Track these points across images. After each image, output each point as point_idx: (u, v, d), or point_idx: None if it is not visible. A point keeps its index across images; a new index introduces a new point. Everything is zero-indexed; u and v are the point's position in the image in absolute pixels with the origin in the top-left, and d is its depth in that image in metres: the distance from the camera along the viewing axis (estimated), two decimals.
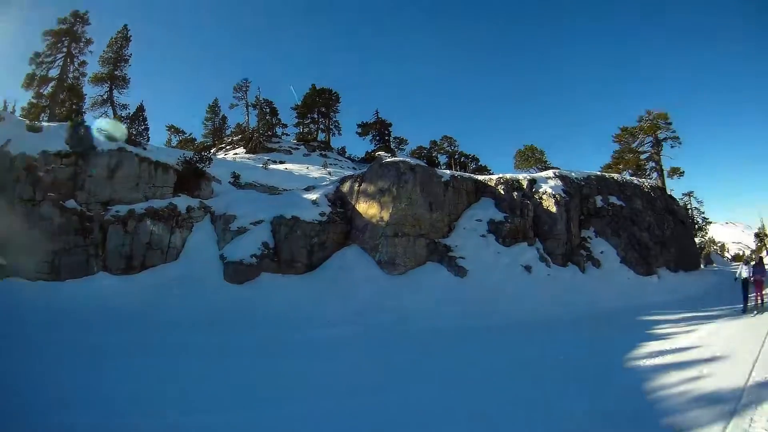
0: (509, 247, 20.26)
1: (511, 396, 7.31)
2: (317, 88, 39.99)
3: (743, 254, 69.09)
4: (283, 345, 10.89)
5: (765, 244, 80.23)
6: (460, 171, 23.51)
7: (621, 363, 9.77)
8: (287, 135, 39.72)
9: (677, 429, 6.40)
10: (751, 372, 8.79)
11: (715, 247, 68.42)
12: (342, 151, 37.63)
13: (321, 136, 40.02)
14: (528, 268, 19.61)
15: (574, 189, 25.23)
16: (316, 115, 39.35)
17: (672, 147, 40.91)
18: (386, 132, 39.21)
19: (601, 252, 24.66)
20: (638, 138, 40.24)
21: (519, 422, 6.42)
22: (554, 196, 22.76)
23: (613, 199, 28.02)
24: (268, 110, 39.94)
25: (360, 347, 10.71)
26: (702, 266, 40.13)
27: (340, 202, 18.82)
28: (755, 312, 15.13)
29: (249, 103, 40.04)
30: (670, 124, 40.06)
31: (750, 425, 6.50)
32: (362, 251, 17.54)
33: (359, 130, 40.36)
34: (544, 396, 7.41)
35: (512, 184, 22.54)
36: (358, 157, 37.16)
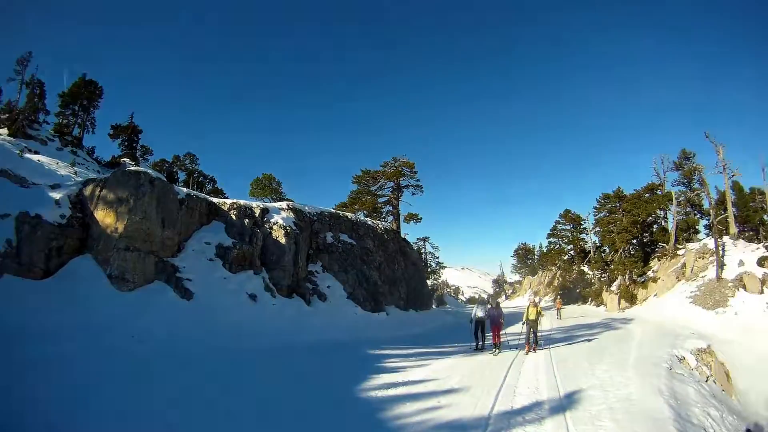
0: (236, 274, 22.17)
1: (246, 427, 8.00)
2: (86, 79, 39.71)
3: (479, 297, 77.98)
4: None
5: (504, 290, 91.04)
6: (196, 190, 25.97)
7: (355, 394, 10.75)
8: (47, 123, 39.02)
9: None
10: (494, 403, 10.06)
11: (448, 290, 76.08)
12: (91, 151, 37.89)
13: (77, 131, 39.65)
14: (253, 297, 21.65)
15: (305, 223, 28.46)
16: (77, 108, 38.97)
17: (413, 194, 47.04)
18: (136, 138, 40.13)
19: (328, 286, 27.30)
20: (380, 182, 46.13)
21: None
22: (285, 227, 25.51)
23: (344, 237, 31.44)
24: (38, 92, 38.81)
25: (80, 368, 10.59)
26: (434, 306, 48.60)
27: (81, 206, 19.25)
28: (493, 351, 17.41)
29: (24, 81, 38.54)
30: (416, 172, 46.32)
31: None
32: (95, 262, 18.27)
33: (111, 132, 40.82)
34: (279, 427, 8.21)
35: (245, 211, 25.08)
36: (104, 160, 37.45)
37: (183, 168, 39.77)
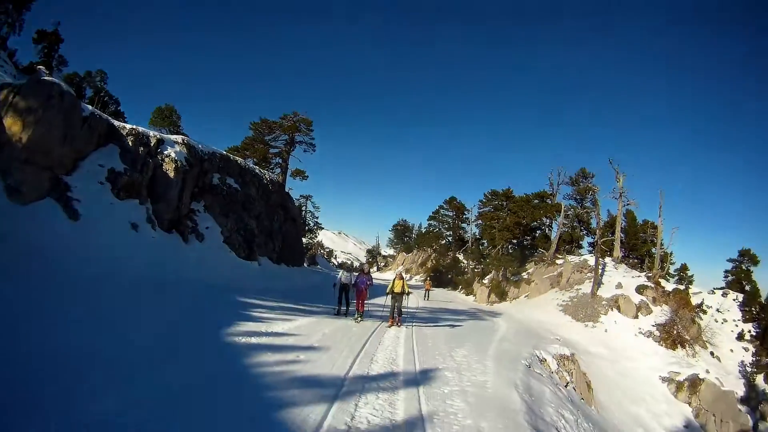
0: (123, 201, 22.78)
1: (102, 359, 8.02)
2: None
3: (350, 263, 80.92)
4: None
5: (377, 262, 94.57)
6: (100, 110, 25.72)
7: (221, 338, 11.34)
8: None
9: (282, 403, 7.50)
10: (352, 366, 10.78)
11: (322, 251, 78.04)
12: (12, 54, 36.77)
13: (5, 30, 38.60)
14: (135, 227, 22.60)
15: (196, 160, 29.33)
16: (10, 6, 37.78)
17: (305, 151, 49.13)
18: (56, 48, 39.38)
19: (207, 227, 28.62)
20: (275, 133, 47.69)
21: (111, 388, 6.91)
22: (176, 161, 26.57)
23: (230, 181, 32.77)
24: None
25: None
26: (306, 265, 50.81)
27: None
28: (355, 318, 18.43)
29: None
30: (312, 130, 48.28)
31: (355, 410, 7.89)
32: None
33: (35, 36, 39.78)
34: (147, 360, 8.49)
35: (142, 139, 25.53)
36: (22, 65, 36.69)
37: (92, 84, 38.68)
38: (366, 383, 9.48)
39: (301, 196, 60.54)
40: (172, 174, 25.76)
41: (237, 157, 37.04)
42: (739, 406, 26.25)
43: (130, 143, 24.30)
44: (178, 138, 28.87)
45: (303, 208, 59.63)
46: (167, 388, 7.17)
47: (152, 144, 25.80)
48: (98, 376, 7.16)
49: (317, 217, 64.20)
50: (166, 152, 26.11)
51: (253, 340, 11.58)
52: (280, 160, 47.75)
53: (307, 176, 49.19)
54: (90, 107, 23.26)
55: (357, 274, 19.72)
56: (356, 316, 18.53)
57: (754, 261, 48.53)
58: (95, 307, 11.72)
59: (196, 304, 15.88)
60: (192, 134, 34.57)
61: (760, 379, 30.22)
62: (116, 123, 24.77)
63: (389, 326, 17.92)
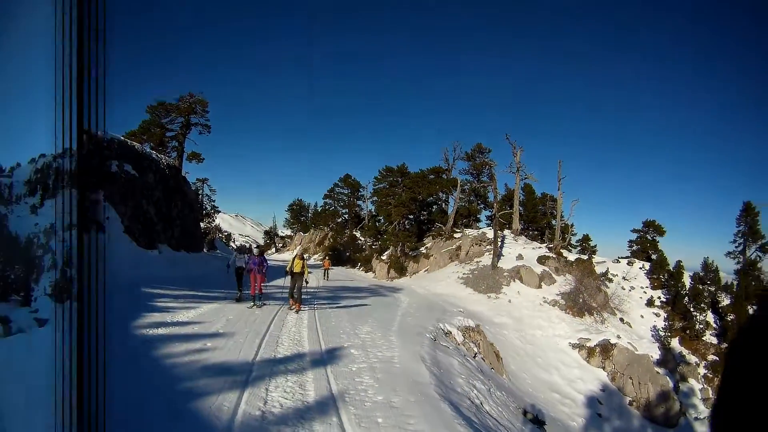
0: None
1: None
2: None
3: (249, 245, 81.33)
4: None
5: (275, 243, 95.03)
6: None
7: (129, 331, 11.61)
8: None
9: (195, 393, 7.80)
10: (258, 350, 11.26)
11: (220, 235, 78.28)
12: None
13: None
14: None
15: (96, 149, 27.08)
16: None
17: (200, 133, 49.72)
18: None
19: (107, 218, 28.91)
20: (171, 115, 47.93)
21: None
22: None
23: (128, 168, 32.97)
24: None
25: None
26: (205, 250, 52.10)
27: None
28: (253, 303, 18.39)
29: None
30: (207, 112, 49.12)
31: (267, 395, 8.34)
32: None
33: None
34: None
35: None
36: None
37: None
38: (274, 366, 10.07)
39: (197, 179, 60.53)
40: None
41: (134, 143, 37.35)
42: (657, 369, 28.93)
43: None
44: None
45: (200, 192, 59.82)
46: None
47: None
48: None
49: (214, 201, 64.63)
50: None
51: (161, 331, 12.02)
52: (177, 143, 47.90)
53: (203, 159, 49.53)
54: None
55: (249, 255, 19.73)
56: (252, 303, 18.43)
57: (660, 231, 52.61)
58: None
59: (111, 300, 16.00)
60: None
61: (675, 343, 33.26)
62: None
63: (290, 308, 18.40)
